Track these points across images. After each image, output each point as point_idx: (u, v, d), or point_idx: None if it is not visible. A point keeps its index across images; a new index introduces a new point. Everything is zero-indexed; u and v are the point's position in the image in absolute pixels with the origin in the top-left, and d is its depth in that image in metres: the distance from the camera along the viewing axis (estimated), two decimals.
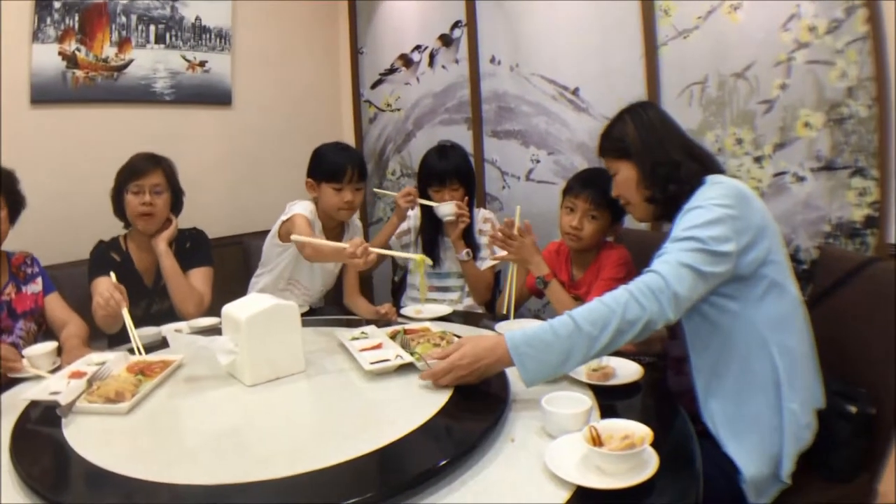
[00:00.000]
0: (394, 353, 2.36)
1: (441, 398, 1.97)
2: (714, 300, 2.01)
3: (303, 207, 3.23)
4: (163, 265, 3.14)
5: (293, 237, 2.84)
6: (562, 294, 2.88)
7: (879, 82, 3.03)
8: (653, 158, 2.19)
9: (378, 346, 2.45)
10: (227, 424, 1.95)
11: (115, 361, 2.25)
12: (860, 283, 2.32)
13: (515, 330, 1.96)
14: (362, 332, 2.63)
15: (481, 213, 3.79)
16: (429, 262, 2.82)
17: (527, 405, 1.96)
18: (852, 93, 3.12)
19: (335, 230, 3.48)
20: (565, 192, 3.10)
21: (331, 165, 3.31)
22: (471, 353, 1.99)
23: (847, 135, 3.15)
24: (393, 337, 2.58)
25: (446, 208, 3.47)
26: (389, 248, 3.63)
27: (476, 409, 1.93)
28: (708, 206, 1.97)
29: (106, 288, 2.64)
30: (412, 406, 1.95)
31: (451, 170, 3.58)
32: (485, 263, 3.64)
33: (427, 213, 3.67)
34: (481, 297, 3.69)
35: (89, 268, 3.10)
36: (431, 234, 3.71)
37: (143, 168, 3.11)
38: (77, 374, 2.17)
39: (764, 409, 1.99)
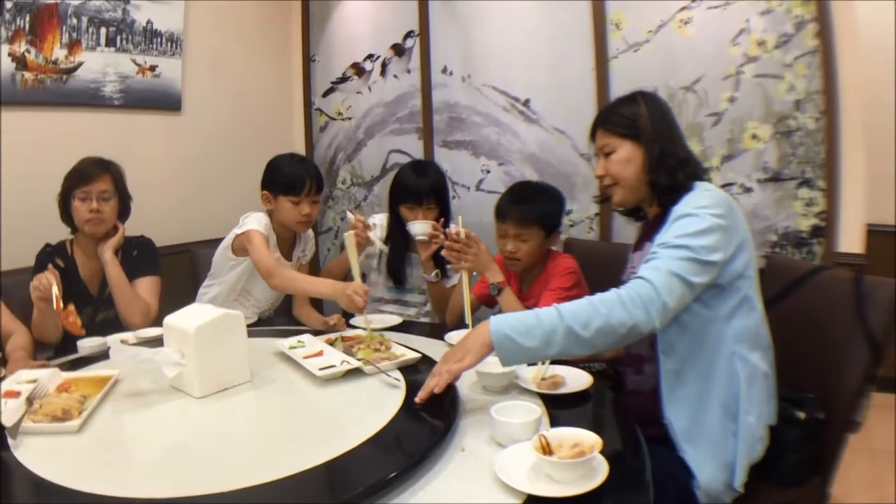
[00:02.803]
0: (339, 359, 2.36)
1: (391, 408, 1.95)
2: (690, 306, 2.01)
3: (257, 221, 3.17)
4: (108, 273, 3.06)
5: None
6: (515, 302, 2.87)
7: (828, 95, 3.09)
8: (662, 146, 2.16)
9: (319, 354, 2.45)
10: (178, 437, 1.89)
11: (49, 378, 2.15)
12: (807, 291, 2.37)
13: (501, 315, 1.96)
14: (299, 341, 2.61)
15: (452, 229, 3.49)
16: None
17: (477, 414, 1.95)
18: (800, 105, 3.17)
19: (287, 242, 3.42)
20: (496, 217, 3.10)
21: (288, 178, 3.22)
22: (455, 348, 2.01)
23: (794, 147, 3.21)
24: (331, 344, 2.59)
25: (420, 227, 3.33)
26: (344, 277, 3.43)
27: (426, 419, 1.92)
28: (701, 214, 1.96)
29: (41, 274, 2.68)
30: (362, 416, 1.94)
31: (428, 189, 3.43)
32: (451, 281, 3.55)
33: (396, 227, 3.56)
34: (444, 314, 3.51)
35: (32, 272, 3.04)
36: (400, 250, 3.58)
37: (90, 174, 3.04)
38: (11, 394, 2.00)
39: (721, 417, 2.00)
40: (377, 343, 2.58)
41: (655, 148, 2.16)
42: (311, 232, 3.60)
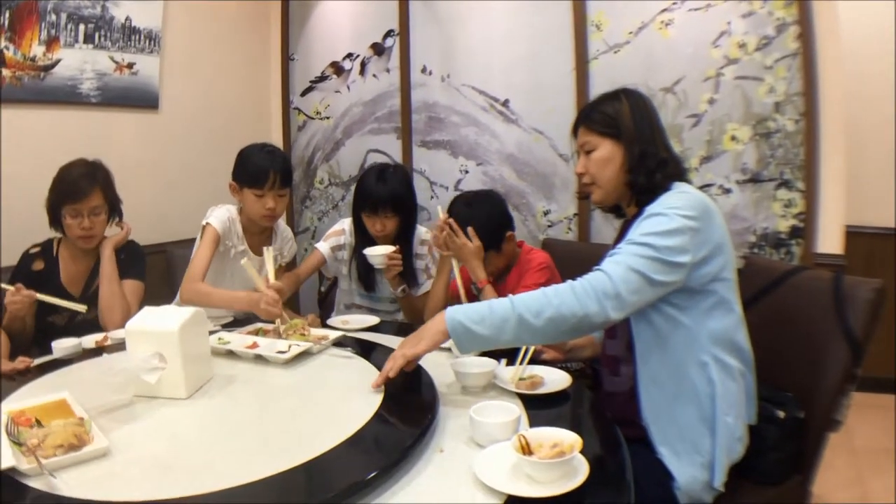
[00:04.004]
0: (285, 344, 2.52)
1: (370, 408, 1.93)
2: (662, 308, 2.01)
3: (220, 214, 3.18)
4: (102, 268, 3.08)
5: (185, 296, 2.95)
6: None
7: (808, 97, 3.11)
8: (642, 146, 2.14)
9: (254, 346, 2.53)
10: (183, 442, 1.87)
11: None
12: (786, 291, 2.38)
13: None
14: (220, 338, 2.61)
15: (419, 235, 3.54)
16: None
17: (455, 415, 1.93)
18: (780, 107, 3.19)
19: (261, 236, 3.38)
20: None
21: (253, 169, 3.15)
22: (412, 335, 2.07)
23: (773, 148, 3.22)
24: (256, 333, 2.76)
25: (377, 258, 3.19)
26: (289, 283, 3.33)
27: (405, 419, 1.91)
28: (671, 214, 1.95)
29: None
30: (340, 416, 1.92)
31: (385, 197, 3.27)
32: (421, 290, 3.48)
33: (362, 231, 3.46)
34: (416, 322, 3.34)
35: (10, 277, 3.02)
36: (365, 258, 3.37)
37: (80, 189, 2.99)
38: None
39: (697, 419, 2.00)
40: (301, 327, 2.72)
41: (636, 148, 2.14)
42: (289, 232, 3.58)
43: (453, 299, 3.13)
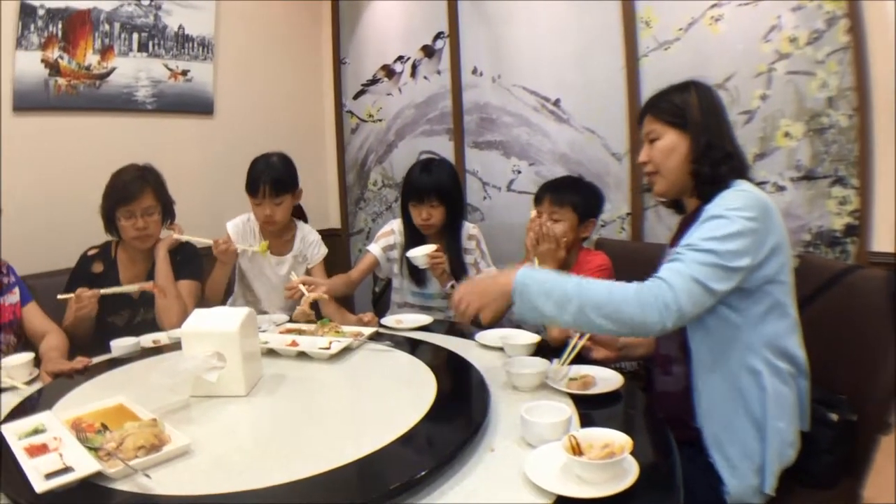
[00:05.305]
0: (325, 341, 2.61)
1: (422, 404, 1.97)
2: (717, 309, 1.99)
3: (237, 218, 3.54)
4: (158, 269, 3.16)
5: None
6: None
7: (861, 92, 3.04)
8: (708, 137, 2.11)
9: (294, 344, 2.63)
10: (253, 437, 1.97)
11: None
12: (841, 291, 2.33)
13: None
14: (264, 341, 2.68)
15: (466, 230, 3.67)
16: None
17: (507, 414, 1.95)
18: (833, 103, 3.13)
19: (280, 239, 3.63)
20: (535, 204, 3.19)
21: (248, 179, 3.44)
22: (477, 284, 2.14)
23: (827, 144, 3.17)
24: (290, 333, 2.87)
25: (420, 259, 3.28)
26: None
27: (456, 418, 1.94)
28: (732, 216, 1.92)
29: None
30: (393, 412, 1.97)
31: (431, 185, 3.43)
32: None
33: (410, 227, 3.57)
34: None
35: (69, 278, 3.10)
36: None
37: (132, 191, 3.08)
38: (40, 449, 1.74)
39: (749, 423, 1.98)
40: (336, 327, 2.86)
41: (702, 139, 2.12)
42: (315, 235, 3.73)
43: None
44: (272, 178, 3.38)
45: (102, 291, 2.87)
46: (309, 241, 3.68)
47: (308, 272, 3.59)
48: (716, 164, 2.09)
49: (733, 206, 1.95)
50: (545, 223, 2.92)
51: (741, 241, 1.89)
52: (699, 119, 2.13)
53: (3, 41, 3.67)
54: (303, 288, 3.02)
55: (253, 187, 3.40)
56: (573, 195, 3.09)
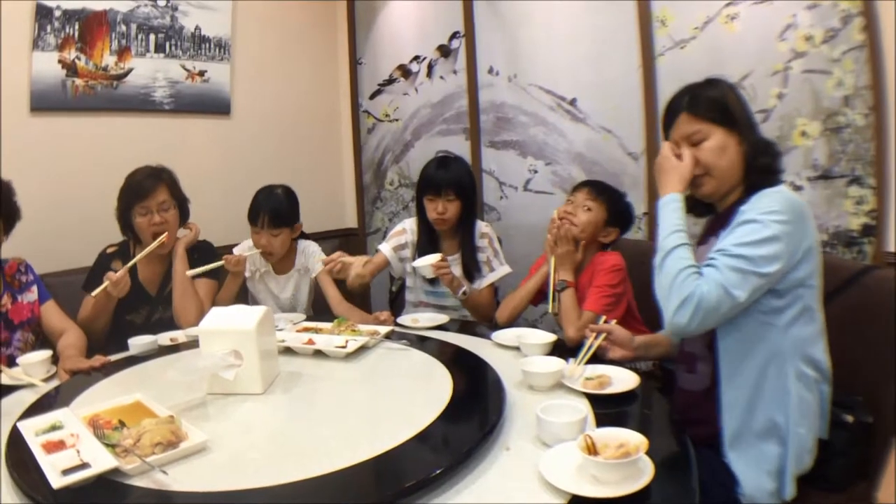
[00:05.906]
0: (342, 339, 2.65)
1: (438, 402, 1.98)
2: (750, 311, 1.98)
3: (244, 244, 3.65)
4: (175, 268, 3.20)
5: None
6: (574, 302, 2.88)
7: (876, 91, 3.03)
8: (755, 135, 2.09)
9: (310, 343, 2.66)
10: (269, 433, 1.99)
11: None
12: (857, 292, 2.31)
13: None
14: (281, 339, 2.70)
15: (478, 228, 3.66)
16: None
17: (522, 413, 1.95)
18: (849, 101, 3.11)
19: (284, 258, 3.69)
20: (571, 192, 3.21)
21: (250, 207, 3.53)
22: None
23: (844, 143, 3.15)
24: (307, 331, 2.91)
25: (425, 269, 3.27)
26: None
27: (472, 417, 1.95)
28: (765, 220, 1.90)
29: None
30: (408, 409, 1.99)
31: (448, 179, 3.45)
32: (483, 282, 3.54)
33: (425, 226, 3.60)
34: (483, 319, 3.50)
35: (87, 275, 3.13)
36: (429, 250, 3.52)
37: (146, 187, 3.13)
38: (57, 445, 1.74)
39: (770, 427, 1.97)
40: (352, 325, 2.90)
41: (751, 135, 2.09)
42: (314, 246, 3.78)
43: (538, 295, 3.23)
44: (271, 210, 3.48)
45: (130, 264, 2.99)
46: (310, 253, 3.73)
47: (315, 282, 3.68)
48: (774, 156, 2.09)
49: (768, 209, 1.93)
50: (563, 225, 2.93)
51: (774, 246, 1.88)
52: (744, 115, 2.11)
53: (19, 42, 3.70)
54: (345, 258, 3.15)
55: (253, 216, 3.51)
56: (612, 196, 3.13)
